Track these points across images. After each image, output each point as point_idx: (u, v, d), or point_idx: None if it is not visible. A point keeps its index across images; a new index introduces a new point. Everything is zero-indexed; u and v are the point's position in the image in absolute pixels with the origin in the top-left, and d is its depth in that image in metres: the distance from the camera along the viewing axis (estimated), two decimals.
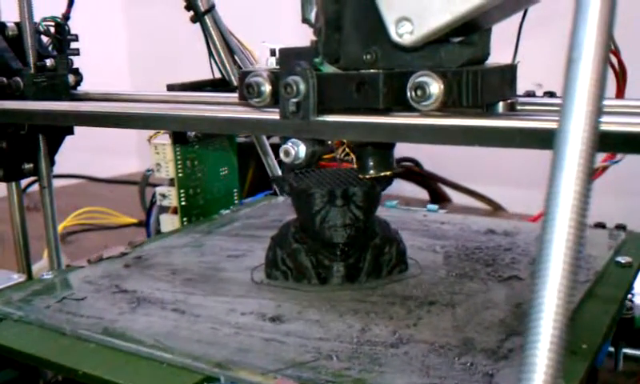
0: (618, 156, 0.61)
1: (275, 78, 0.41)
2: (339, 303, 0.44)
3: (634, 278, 0.49)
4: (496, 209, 1.05)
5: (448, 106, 0.36)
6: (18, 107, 0.56)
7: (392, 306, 0.43)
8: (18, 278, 0.51)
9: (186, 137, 0.68)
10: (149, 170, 0.79)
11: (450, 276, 0.48)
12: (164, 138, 0.68)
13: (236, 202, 0.76)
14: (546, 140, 0.32)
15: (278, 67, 0.42)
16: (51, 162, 0.66)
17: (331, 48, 0.40)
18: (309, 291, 0.46)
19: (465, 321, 0.40)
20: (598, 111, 0.22)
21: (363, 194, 0.47)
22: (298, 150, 0.40)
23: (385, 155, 0.43)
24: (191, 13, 0.69)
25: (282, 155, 0.40)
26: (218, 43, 0.70)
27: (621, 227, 0.62)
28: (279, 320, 0.41)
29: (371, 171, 0.43)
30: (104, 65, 0.95)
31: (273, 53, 0.44)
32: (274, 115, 0.40)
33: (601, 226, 0.62)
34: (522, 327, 0.37)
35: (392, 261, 0.49)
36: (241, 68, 0.70)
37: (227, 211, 0.69)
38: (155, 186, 0.72)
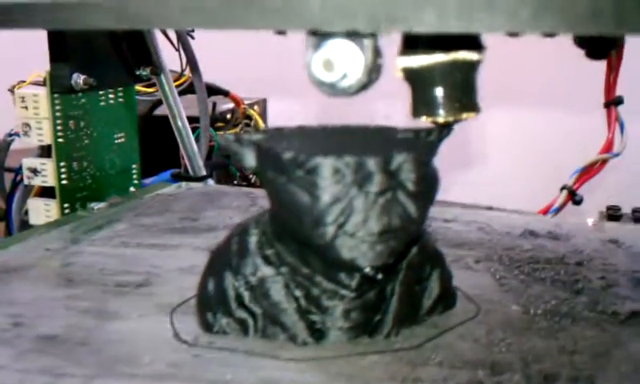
0: (616, 147, 0.53)
1: None
2: None
3: None
4: None
5: None
6: None
7: None
8: None
9: (72, 84, 0.51)
10: (11, 134, 0.59)
11: (535, 315, 0.30)
12: (36, 87, 0.51)
13: (135, 182, 0.60)
14: None
15: None
16: None
17: None
18: (295, 360, 0.26)
19: None
20: None
21: (415, 166, 0.25)
22: None
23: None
24: None
25: None
26: None
27: (612, 209, 0.59)
28: None
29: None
30: None
31: None
32: None
33: (615, 209, 0.58)
34: None
35: (434, 291, 0.30)
36: None
37: (102, 205, 0.52)
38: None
